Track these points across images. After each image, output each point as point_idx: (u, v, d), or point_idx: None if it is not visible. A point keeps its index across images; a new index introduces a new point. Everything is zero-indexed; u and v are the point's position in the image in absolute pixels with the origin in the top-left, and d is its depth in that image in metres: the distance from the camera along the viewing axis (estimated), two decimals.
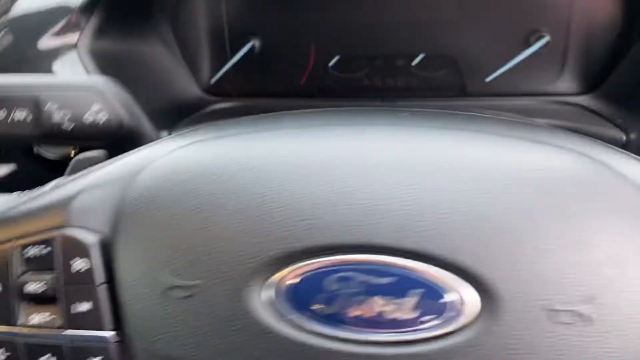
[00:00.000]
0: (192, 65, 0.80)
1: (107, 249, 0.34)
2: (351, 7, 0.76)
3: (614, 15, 0.72)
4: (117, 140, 0.49)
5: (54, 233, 0.34)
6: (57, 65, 0.63)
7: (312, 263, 0.30)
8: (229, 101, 0.81)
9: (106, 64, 0.66)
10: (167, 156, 0.35)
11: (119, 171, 0.36)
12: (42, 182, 0.65)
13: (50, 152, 0.63)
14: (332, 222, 0.30)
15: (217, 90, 0.81)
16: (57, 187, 0.37)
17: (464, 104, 0.77)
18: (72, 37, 0.64)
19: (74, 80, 0.48)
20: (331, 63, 0.79)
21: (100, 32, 0.66)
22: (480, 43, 0.75)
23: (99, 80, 0.49)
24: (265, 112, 0.78)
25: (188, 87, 0.80)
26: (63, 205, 0.35)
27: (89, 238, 0.34)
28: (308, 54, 0.79)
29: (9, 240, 0.34)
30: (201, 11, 0.79)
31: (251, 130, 0.37)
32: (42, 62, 0.63)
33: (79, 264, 0.33)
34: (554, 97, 0.76)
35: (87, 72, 0.63)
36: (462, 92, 0.77)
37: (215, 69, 0.81)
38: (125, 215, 0.33)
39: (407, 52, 0.77)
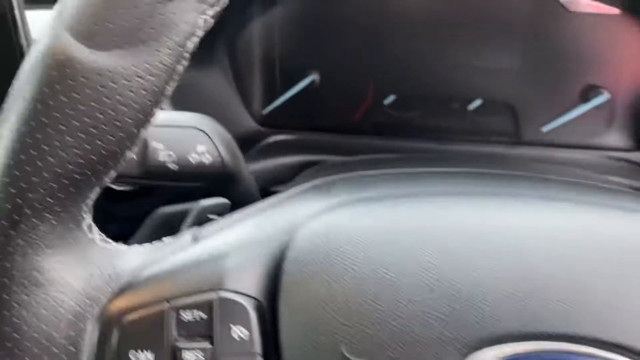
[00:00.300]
0: (245, 96, 0.78)
1: (263, 317, 0.32)
2: (411, 47, 0.75)
3: None
4: (217, 181, 0.47)
5: (210, 296, 0.31)
6: None
7: (510, 349, 0.28)
8: (282, 134, 0.79)
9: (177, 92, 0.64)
10: (320, 218, 0.34)
11: (268, 231, 0.34)
12: (101, 210, 0.62)
13: (116, 183, 0.59)
14: (534, 307, 0.29)
15: (268, 122, 0.79)
16: (196, 239, 0.35)
17: (519, 152, 0.78)
18: None
19: (179, 118, 0.46)
20: (387, 101, 0.78)
21: None
22: (539, 92, 0.76)
23: (204, 119, 0.47)
24: (320, 147, 0.77)
25: (241, 117, 0.78)
26: (215, 264, 0.33)
27: (248, 304, 0.31)
28: (364, 91, 0.78)
29: (160, 302, 0.32)
30: (256, 42, 0.77)
31: (405, 194, 0.36)
32: None
33: (238, 332, 0.31)
34: (608, 151, 0.77)
35: None
36: (517, 140, 0.78)
37: (267, 100, 0.79)
38: (286, 280, 0.31)
39: (463, 96, 0.77)
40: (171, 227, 0.64)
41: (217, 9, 0.31)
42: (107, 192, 0.62)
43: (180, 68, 0.30)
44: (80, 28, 0.28)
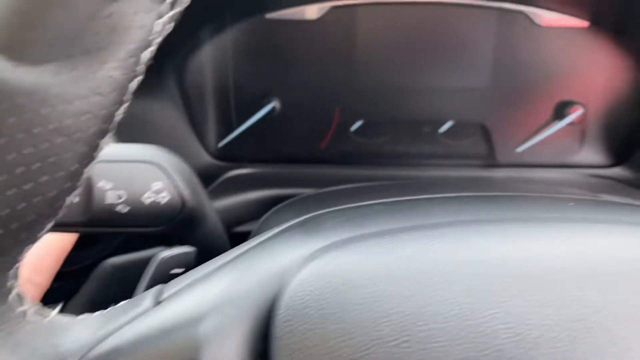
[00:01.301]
0: (198, 128, 0.71)
1: None
2: (377, 70, 0.71)
3: None
4: (177, 224, 0.40)
5: None
6: None
7: None
8: (241, 168, 0.72)
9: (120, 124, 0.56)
10: (314, 263, 0.27)
11: (250, 283, 0.27)
12: None
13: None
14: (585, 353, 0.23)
15: (226, 156, 0.72)
16: (159, 301, 0.28)
17: (492, 175, 0.74)
18: None
19: (129, 152, 0.39)
20: (354, 128, 0.73)
21: None
22: (511, 111, 0.72)
23: (158, 152, 0.40)
24: (284, 180, 0.71)
25: (195, 151, 0.71)
26: (187, 332, 0.26)
27: None
28: (329, 118, 0.72)
29: None
30: (208, 69, 0.71)
31: (405, 228, 0.30)
32: None
33: None
34: (584, 169, 0.74)
35: None
36: (491, 161, 0.74)
37: (223, 132, 0.72)
38: (279, 346, 0.25)
39: (434, 119, 0.73)
40: (122, 281, 0.56)
41: (177, 11, 0.25)
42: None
43: (133, 86, 0.24)
44: (0, 36, 0.21)
